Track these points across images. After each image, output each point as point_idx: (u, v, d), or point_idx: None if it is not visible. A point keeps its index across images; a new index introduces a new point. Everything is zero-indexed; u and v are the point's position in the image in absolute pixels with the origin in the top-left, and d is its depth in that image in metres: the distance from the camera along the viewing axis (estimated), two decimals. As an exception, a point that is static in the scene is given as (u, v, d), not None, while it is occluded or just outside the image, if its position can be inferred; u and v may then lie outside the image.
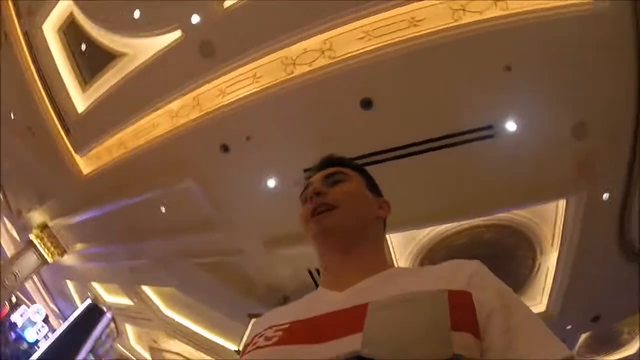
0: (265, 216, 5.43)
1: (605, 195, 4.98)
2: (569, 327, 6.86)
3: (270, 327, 0.83)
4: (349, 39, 4.57)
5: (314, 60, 4.67)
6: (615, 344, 8.14)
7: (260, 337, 0.83)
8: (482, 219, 5.64)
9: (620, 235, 5.44)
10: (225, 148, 5.11)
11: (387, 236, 5.61)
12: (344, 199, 0.96)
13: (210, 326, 7.06)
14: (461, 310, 0.70)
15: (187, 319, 7.30)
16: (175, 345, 8.26)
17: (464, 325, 0.68)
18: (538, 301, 6.55)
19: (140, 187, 5.19)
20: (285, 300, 5.86)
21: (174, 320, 7.33)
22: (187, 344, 7.58)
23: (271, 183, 5.31)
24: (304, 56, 4.68)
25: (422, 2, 4.34)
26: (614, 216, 5.11)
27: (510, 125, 4.70)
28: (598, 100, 4.31)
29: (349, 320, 0.73)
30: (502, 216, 5.68)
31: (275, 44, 4.60)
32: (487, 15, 4.31)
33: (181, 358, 8.80)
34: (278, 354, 0.75)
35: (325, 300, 0.85)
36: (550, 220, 5.67)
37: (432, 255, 6.19)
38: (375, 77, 4.60)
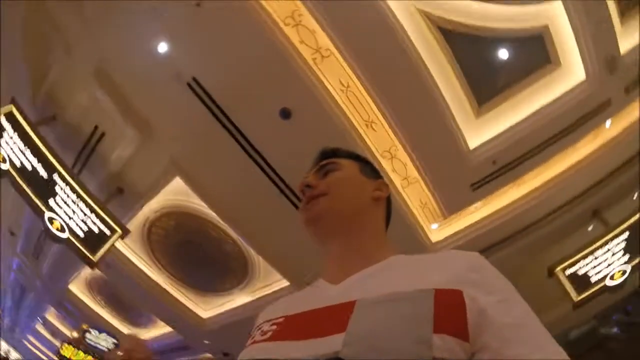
0: (123, 57, 4.77)
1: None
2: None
3: (268, 321, 0.85)
4: (337, 71, 4.68)
5: (306, 45, 4.56)
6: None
7: (258, 330, 0.84)
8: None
9: None
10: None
11: (176, 177, 5.62)
12: (333, 187, 0.97)
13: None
14: (448, 311, 0.67)
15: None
16: None
17: (448, 327, 0.65)
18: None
19: None
20: (52, 119, 5.15)
21: None
22: None
23: (162, 48, 4.74)
24: (306, 33, 4.51)
25: (388, 120, 4.84)
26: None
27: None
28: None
29: (335, 318, 0.72)
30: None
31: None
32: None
33: None
34: (269, 349, 0.75)
35: (320, 294, 0.85)
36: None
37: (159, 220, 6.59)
38: (311, 112, 4.78)
